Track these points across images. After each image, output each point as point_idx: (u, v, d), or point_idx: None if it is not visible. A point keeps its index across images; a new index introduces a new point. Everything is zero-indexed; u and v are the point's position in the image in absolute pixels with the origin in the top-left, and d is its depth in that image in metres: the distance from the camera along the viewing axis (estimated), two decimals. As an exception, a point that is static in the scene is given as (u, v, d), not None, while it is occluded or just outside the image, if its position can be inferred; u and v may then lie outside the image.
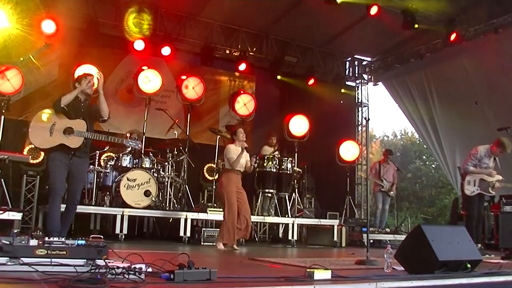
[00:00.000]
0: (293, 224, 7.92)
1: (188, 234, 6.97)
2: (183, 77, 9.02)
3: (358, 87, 12.75)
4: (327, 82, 11.64)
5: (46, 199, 5.40)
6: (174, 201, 7.94)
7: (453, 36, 9.56)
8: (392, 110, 59.26)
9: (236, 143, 6.25)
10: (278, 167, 8.23)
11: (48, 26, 8.16)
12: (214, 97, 10.56)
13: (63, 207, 4.81)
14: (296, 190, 8.81)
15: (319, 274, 2.79)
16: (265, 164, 8.14)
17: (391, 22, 9.08)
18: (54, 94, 5.88)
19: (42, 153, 7.35)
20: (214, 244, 6.30)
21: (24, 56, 7.97)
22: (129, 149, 7.40)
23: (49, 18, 8.15)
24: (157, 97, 9.08)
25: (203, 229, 7.21)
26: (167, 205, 7.73)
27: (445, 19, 9.63)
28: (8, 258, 2.58)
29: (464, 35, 9.63)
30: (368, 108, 12.78)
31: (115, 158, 7.42)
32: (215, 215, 7.22)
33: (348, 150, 10.15)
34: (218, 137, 8.24)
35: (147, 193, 6.94)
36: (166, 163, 7.80)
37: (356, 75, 12.65)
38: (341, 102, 11.97)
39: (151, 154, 7.65)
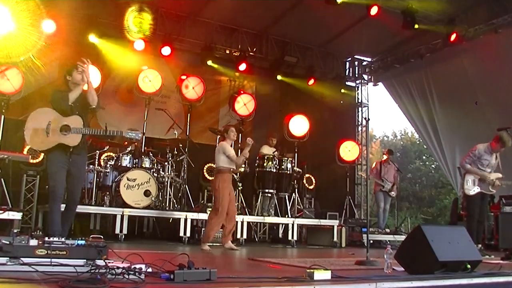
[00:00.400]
0: (293, 224, 7.92)
1: (188, 234, 6.97)
2: (183, 77, 9.04)
3: (358, 87, 12.74)
4: (327, 82, 11.61)
5: (46, 199, 5.40)
6: (174, 201, 7.94)
7: (453, 36, 9.55)
8: (392, 110, 59.26)
9: (227, 141, 6.26)
10: (278, 167, 8.24)
11: (48, 26, 8.16)
12: (214, 97, 10.54)
13: (63, 207, 4.79)
14: (296, 190, 8.81)
15: (319, 274, 2.80)
16: (265, 164, 8.15)
17: (391, 22, 9.08)
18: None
19: (42, 153, 7.34)
20: (214, 244, 6.29)
21: (24, 56, 7.96)
22: (129, 148, 7.41)
23: (49, 18, 8.15)
24: (157, 97, 9.07)
25: (203, 229, 7.15)
26: (167, 205, 7.73)
27: (445, 19, 9.63)
28: (8, 258, 2.58)
29: (464, 35, 9.63)
30: (368, 108, 12.77)
31: (115, 158, 7.42)
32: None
33: (348, 150, 10.15)
34: (218, 137, 8.24)
35: (147, 193, 6.95)
36: (166, 163, 7.80)
37: (356, 75, 12.64)
38: (341, 102, 11.97)
39: (151, 154, 7.65)
